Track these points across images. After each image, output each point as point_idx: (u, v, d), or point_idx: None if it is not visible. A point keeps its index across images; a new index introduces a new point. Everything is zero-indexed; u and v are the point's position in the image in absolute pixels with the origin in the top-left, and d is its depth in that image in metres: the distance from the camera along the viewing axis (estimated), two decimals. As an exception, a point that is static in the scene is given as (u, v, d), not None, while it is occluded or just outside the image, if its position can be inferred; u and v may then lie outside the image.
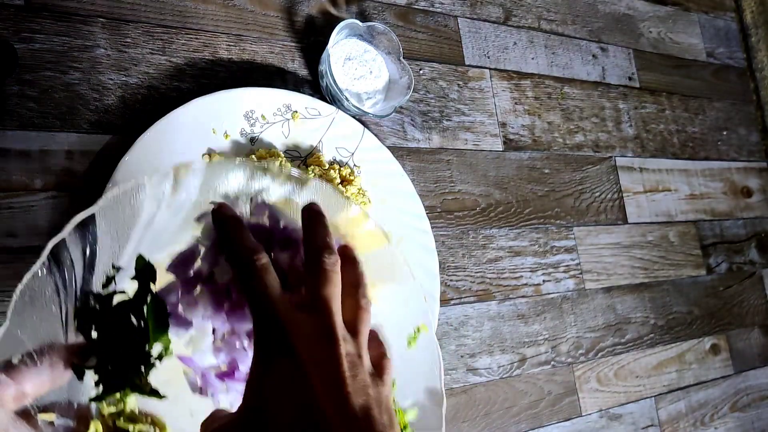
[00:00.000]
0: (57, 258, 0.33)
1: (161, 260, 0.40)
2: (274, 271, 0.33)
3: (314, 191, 0.41)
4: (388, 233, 0.61)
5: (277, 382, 0.30)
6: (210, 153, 0.60)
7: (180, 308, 0.38)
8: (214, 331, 0.38)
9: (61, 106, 0.56)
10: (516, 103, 0.84)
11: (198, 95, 0.60)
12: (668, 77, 1.02)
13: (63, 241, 0.33)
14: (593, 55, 0.94)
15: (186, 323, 0.38)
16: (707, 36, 1.11)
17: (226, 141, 0.61)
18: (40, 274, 0.32)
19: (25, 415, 0.31)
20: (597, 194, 0.88)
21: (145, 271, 0.38)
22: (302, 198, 0.41)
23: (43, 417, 0.32)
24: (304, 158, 0.65)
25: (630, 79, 0.97)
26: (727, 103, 1.09)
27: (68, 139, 0.56)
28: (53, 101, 0.56)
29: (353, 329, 0.33)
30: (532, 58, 0.87)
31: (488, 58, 0.83)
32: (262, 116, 0.63)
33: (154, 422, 0.38)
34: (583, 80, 0.92)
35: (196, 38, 0.64)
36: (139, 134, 0.56)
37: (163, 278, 0.39)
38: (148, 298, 0.38)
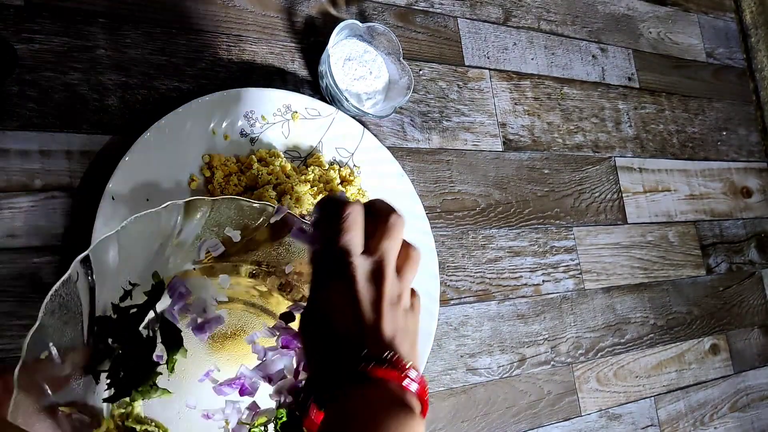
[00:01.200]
0: (80, 271, 0.37)
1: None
2: (359, 227, 0.40)
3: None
4: None
5: (331, 296, 0.38)
6: (210, 154, 0.60)
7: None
8: None
9: (61, 106, 0.56)
10: (516, 104, 0.84)
11: (198, 95, 0.60)
12: (668, 77, 1.03)
13: (87, 256, 0.37)
14: (593, 56, 0.94)
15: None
16: (707, 36, 1.11)
17: (226, 141, 0.61)
18: (68, 282, 0.36)
19: (48, 408, 0.35)
20: (597, 194, 0.88)
21: (158, 287, 0.43)
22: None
23: (63, 410, 0.36)
24: (304, 158, 0.65)
25: (630, 79, 0.97)
26: (727, 103, 1.09)
27: (68, 139, 0.56)
28: (53, 101, 0.56)
29: (401, 274, 0.40)
30: (532, 59, 0.87)
31: (488, 58, 0.83)
32: (262, 116, 0.63)
33: (158, 426, 0.41)
34: (582, 81, 0.92)
35: (196, 39, 0.64)
36: (139, 134, 0.56)
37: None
38: (158, 312, 0.42)
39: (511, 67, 0.85)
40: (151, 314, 0.43)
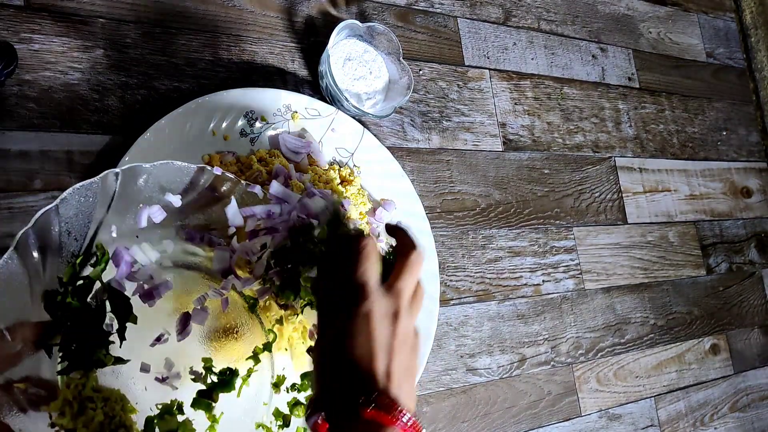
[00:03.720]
0: (24, 247, 0.37)
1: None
2: (375, 260, 0.42)
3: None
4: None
5: (347, 328, 0.40)
6: (210, 154, 0.60)
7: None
8: None
9: (61, 107, 0.56)
10: (515, 104, 0.84)
11: (198, 95, 0.60)
12: (668, 77, 1.02)
13: (29, 231, 0.36)
14: (593, 56, 0.94)
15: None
16: (707, 36, 1.11)
17: (225, 142, 0.61)
18: (9, 262, 0.35)
19: (3, 386, 0.35)
20: (597, 194, 0.88)
21: (102, 257, 0.43)
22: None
23: (18, 386, 0.36)
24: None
25: (629, 79, 0.97)
26: (727, 103, 1.09)
27: (68, 140, 0.56)
28: (53, 101, 0.56)
29: (411, 311, 0.42)
30: (532, 59, 0.87)
31: (488, 58, 0.83)
32: (262, 117, 0.63)
33: (114, 393, 0.42)
34: (582, 81, 0.92)
35: (196, 38, 0.64)
36: (139, 134, 0.56)
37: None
38: (104, 282, 0.43)
39: (511, 67, 0.85)
40: (97, 284, 0.43)
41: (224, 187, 0.48)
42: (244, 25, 0.67)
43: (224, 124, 0.61)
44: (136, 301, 0.45)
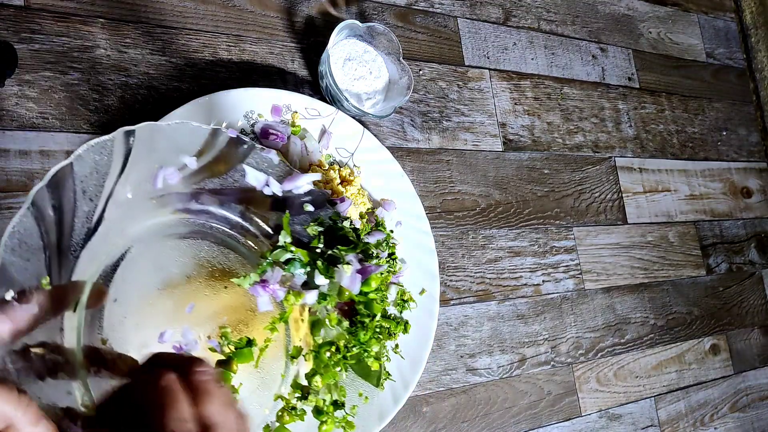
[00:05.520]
0: (39, 205, 0.35)
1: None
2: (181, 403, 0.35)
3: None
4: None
5: None
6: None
7: None
8: None
9: (61, 106, 0.56)
10: (515, 104, 0.84)
11: (198, 95, 0.60)
12: (668, 78, 1.03)
13: (44, 188, 0.35)
14: (593, 56, 0.94)
15: None
16: (707, 36, 1.11)
17: (225, 141, 0.61)
18: (24, 220, 0.34)
19: (20, 350, 0.34)
20: (597, 194, 0.88)
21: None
22: None
23: (36, 351, 0.35)
24: (303, 158, 0.65)
25: (629, 79, 0.97)
26: (727, 103, 1.09)
27: (68, 139, 0.56)
28: (53, 101, 0.56)
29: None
30: (532, 59, 0.87)
31: (488, 58, 0.83)
32: (261, 117, 0.63)
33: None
34: (582, 81, 0.92)
35: (196, 38, 0.64)
36: (139, 134, 0.56)
37: None
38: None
39: (511, 67, 0.85)
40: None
41: (239, 150, 0.46)
42: (244, 25, 0.67)
43: (224, 124, 0.61)
44: (149, 285, 0.46)
